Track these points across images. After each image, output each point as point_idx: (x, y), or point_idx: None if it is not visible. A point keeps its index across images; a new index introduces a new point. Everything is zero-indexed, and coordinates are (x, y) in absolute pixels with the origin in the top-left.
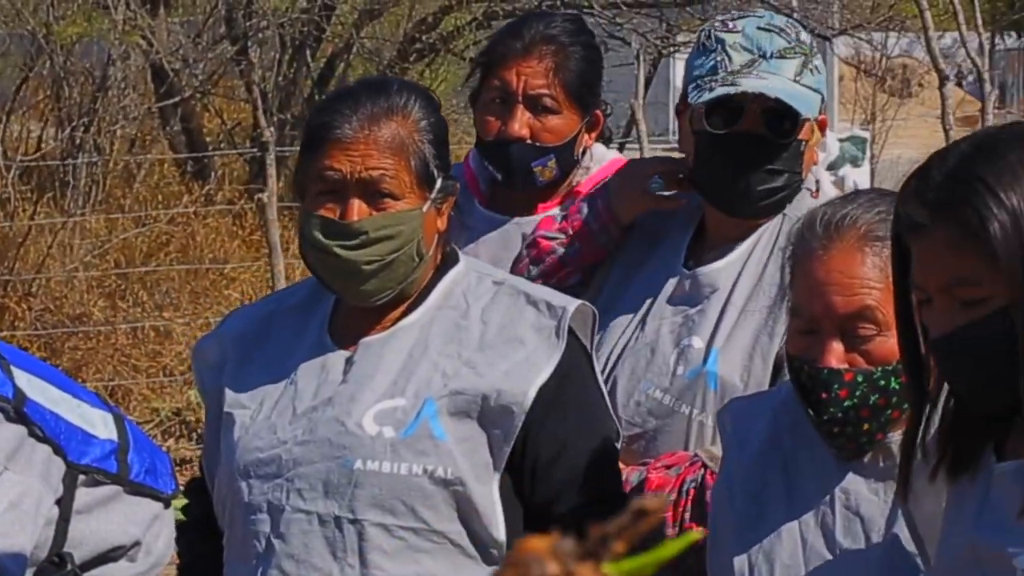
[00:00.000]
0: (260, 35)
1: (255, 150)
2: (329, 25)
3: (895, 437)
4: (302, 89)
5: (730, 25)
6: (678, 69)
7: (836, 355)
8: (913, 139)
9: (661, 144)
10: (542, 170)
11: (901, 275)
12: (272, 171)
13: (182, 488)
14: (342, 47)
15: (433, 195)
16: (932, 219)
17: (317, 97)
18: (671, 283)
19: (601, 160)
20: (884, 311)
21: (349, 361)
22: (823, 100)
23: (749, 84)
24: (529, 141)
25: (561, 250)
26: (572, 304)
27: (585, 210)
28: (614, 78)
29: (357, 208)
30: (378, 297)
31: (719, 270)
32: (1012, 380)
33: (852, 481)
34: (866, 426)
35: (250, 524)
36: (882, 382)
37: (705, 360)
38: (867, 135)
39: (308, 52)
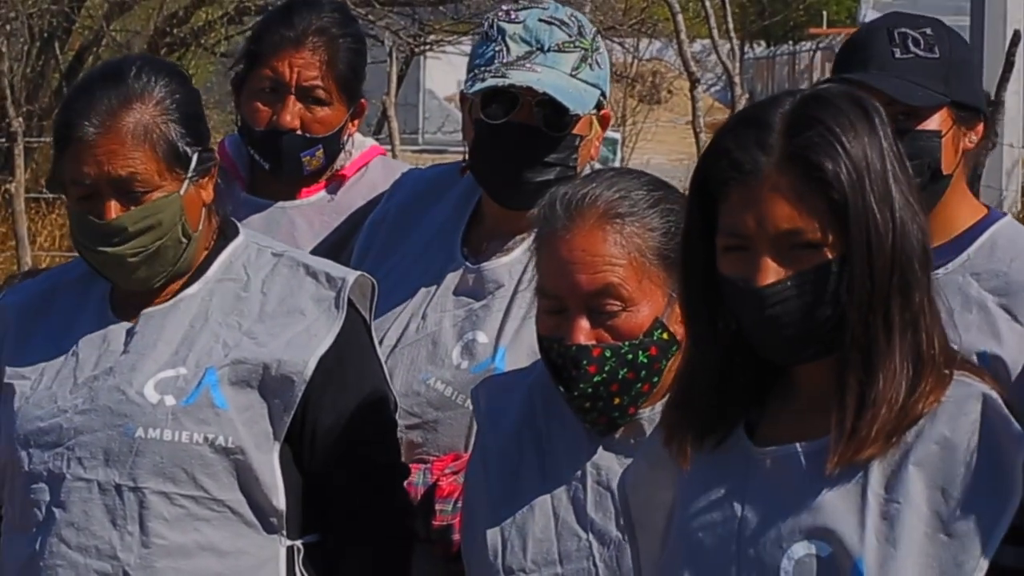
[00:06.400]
0: (8, 26)
1: (2, 140)
2: (78, 17)
3: (646, 413)
4: (50, 81)
5: (513, 15)
6: (428, 70)
7: (584, 332)
8: (661, 144)
9: (411, 146)
10: (310, 160)
11: (700, 222)
12: (20, 162)
13: None
14: (92, 39)
15: (189, 174)
16: (775, 164)
17: (65, 89)
18: (453, 276)
19: (362, 146)
20: (627, 287)
21: (130, 332)
22: (604, 95)
23: (519, 76)
24: (299, 132)
25: None
26: (351, 276)
27: None
28: (366, 75)
29: (114, 207)
30: (152, 282)
31: (504, 266)
32: (825, 332)
33: (603, 457)
34: (617, 400)
35: (30, 493)
36: (630, 356)
37: (493, 357)
38: (618, 136)
39: (57, 44)
